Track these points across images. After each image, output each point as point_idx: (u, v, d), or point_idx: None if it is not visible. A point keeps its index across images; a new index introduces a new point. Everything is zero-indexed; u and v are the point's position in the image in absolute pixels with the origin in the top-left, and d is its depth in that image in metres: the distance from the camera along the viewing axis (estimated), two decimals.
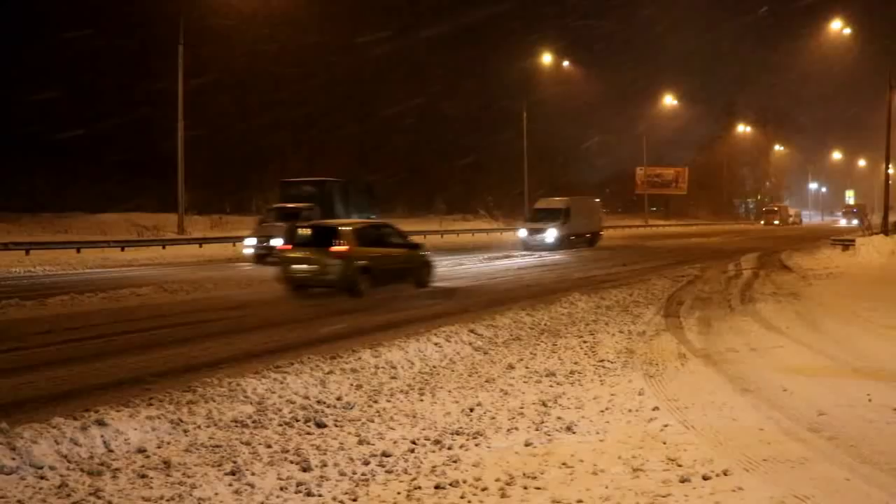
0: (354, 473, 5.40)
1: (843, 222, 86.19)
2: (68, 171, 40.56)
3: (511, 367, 8.92)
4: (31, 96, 38.33)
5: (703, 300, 15.36)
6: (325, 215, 24.89)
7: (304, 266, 15.74)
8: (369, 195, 30.65)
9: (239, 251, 30.69)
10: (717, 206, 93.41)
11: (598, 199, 43.78)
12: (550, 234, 34.04)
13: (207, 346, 10.31)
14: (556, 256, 29.76)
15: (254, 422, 6.60)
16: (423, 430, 6.43)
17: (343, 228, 16.08)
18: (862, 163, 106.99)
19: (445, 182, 61.28)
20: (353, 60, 54.35)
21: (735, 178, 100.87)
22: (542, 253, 31.26)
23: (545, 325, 11.96)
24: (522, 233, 35.78)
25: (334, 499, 5.00)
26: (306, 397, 7.33)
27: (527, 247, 33.77)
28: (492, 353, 9.76)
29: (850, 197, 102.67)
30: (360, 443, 6.06)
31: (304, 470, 5.44)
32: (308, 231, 16.37)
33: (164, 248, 30.32)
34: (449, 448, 5.96)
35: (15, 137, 39.47)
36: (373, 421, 6.69)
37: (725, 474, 5.26)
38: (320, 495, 5.03)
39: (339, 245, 15.41)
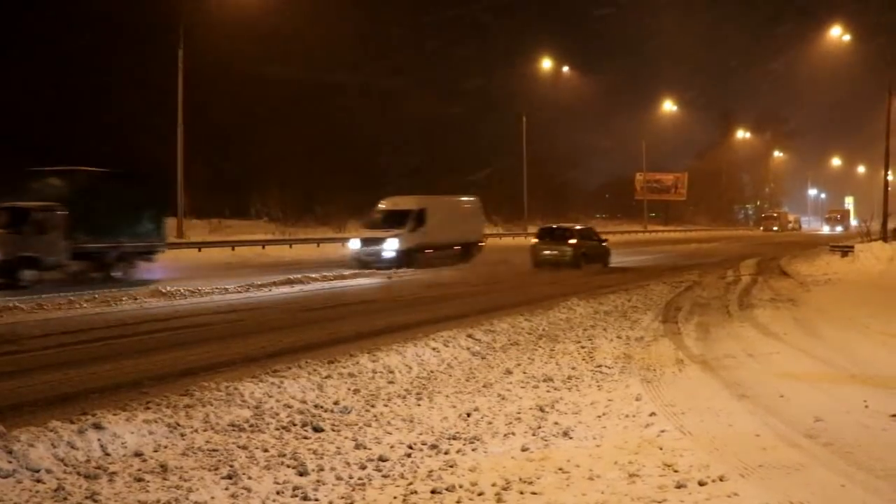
0: (351, 478, 5.40)
1: (825, 229, 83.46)
2: None
3: (509, 372, 8.92)
4: (28, 99, 38.35)
5: (701, 306, 15.38)
6: (77, 219, 18.80)
7: (549, 252, 25.79)
8: (154, 192, 22.37)
9: (237, 255, 30.71)
10: (716, 212, 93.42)
11: (473, 199, 31.69)
12: (391, 246, 24.90)
13: (205, 350, 10.32)
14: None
15: (251, 426, 6.60)
16: (420, 434, 6.43)
17: (573, 230, 26.97)
18: (861, 169, 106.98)
19: (444, 186, 61.29)
20: (351, 64, 54.41)
21: (734, 184, 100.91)
22: (380, 272, 23.02)
23: (543, 330, 11.97)
24: (354, 244, 26.13)
25: (331, 503, 5.00)
26: (304, 402, 7.33)
27: (360, 263, 24.62)
28: (489, 358, 9.76)
29: (849, 203, 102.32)
30: (357, 447, 6.06)
31: (301, 474, 5.44)
32: (552, 231, 27.25)
33: (163, 251, 30.23)
34: (446, 453, 5.96)
35: (12, 141, 39.48)
36: (370, 425, 6.69)
37: (721, 480, 5.26)
38: (317, 500, 5.03)
39: (572, 240, 26.02)
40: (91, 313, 13.90)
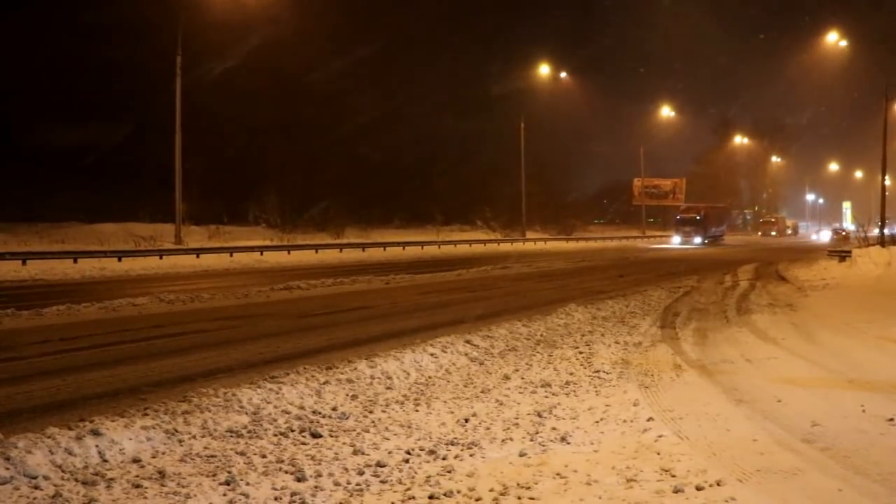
0: (349, 483, 5.41)
1: (676, 241, 56.38)
2: (65, 180, 40.57)
3: (507, 377, 8.93)
4: (29, 104, 38.39)
5: (699, 311, 15.39)
6: None
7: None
8: None
9: (235, 261, 30.71)
10: None
11: None
12: None
13: (203, 356, 10.30)
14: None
15: (249, 432, 6.61)
16: (418, 440, 6.44)
17: (843, 228, 64.74)
18: (859, 174, 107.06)
19: (443, 193, 61.41)
20: (350, 72, 54.50)
21: (732, 190, 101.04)
22: None
23: (541, 335, 11.98)
24: None
25: None
26: (301, 407, 7.34)
27: None
28: (487, 364, 9.77)
29: (846, 208, 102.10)
30: (355, 453, 6.07)
31: (299, 480, 5.44)
32: (836, 228, 65.64)
33: (161, 258, 30.34)
34: (444, 458, 5.97)
35: (12, 146, 39.49)
36: (368, 431, 6.70)
37: (719, 485, 5.27)
38: None
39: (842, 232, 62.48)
40: (89, 319, 13.88)
